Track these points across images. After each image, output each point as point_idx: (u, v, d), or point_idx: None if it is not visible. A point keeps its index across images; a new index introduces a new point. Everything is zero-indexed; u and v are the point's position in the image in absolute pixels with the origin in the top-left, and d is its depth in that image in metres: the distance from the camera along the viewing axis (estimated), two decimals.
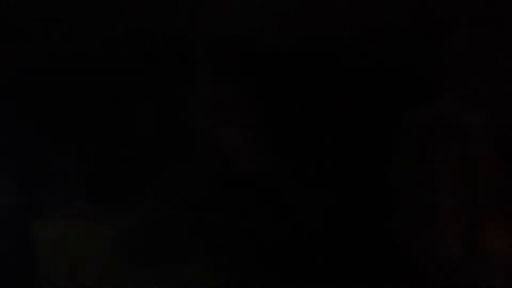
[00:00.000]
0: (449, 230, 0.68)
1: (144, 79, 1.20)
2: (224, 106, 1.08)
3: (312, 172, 1.11)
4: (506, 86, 0.84)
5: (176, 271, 1.12)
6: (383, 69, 0.92)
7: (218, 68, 1.12)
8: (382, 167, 0.78)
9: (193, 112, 1.08)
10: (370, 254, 0.90)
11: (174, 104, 1.12)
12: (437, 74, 0.88)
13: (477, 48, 0.86)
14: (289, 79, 1.18)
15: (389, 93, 0.91)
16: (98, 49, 1.20)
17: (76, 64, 1.22)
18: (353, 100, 0.96)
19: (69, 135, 1.26)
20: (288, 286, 1.00)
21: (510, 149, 0.82)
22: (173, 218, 1.11)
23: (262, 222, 1.05)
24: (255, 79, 1.19)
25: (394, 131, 0.81)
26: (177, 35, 1.17)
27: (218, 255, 1.10)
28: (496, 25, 0.86)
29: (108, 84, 1.22)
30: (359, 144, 0.91)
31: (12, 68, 1.23)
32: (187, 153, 1.13)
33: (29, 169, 1.27)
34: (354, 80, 0.97)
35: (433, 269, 0.72)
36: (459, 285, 0.71)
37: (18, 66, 1.23)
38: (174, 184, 1.14)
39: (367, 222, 0.88)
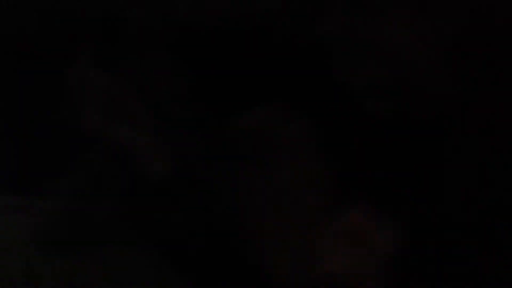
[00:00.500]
0: (283, 241, 0.66)
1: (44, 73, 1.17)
2: (118, 104, 1.02)
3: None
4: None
5: (97, 257, 1.11)
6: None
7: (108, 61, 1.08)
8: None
9: (84, 110, 1.02)
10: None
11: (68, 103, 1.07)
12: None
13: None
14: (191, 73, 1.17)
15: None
16: None
17: None
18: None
19: None
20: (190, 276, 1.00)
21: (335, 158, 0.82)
22: (87, 207, 1.09)
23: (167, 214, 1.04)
24: (153, 74, 1.17)
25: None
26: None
27: (132, 243, 1.09)
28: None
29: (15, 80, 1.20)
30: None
31: None
32: (91, 149, 1.11)
33: None
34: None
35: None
36: None
37: None
38: (83, 177, 1.12)
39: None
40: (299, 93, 0.76)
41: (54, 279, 1.12)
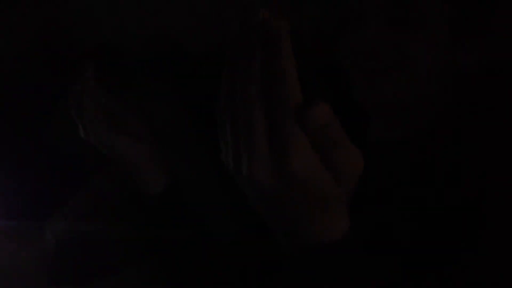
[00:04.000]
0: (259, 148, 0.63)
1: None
2: (118, 116, 1.01)
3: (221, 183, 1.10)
4: None
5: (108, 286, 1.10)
6: None
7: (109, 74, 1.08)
8: None
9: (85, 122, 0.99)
10: None
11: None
12: None
13: None
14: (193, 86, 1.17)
15: None
16: None
17: None
18: None
19: None
20: None
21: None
22: (94, 232, 1.08)
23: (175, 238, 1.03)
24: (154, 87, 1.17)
25: None
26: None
27: (143, 267, 1.08)
28: None
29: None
30: None
31: None
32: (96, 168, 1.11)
33: None
34: None
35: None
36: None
37: None
38: (89, 200, 1.11)
39: None
40: None
41: None
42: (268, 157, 0.62)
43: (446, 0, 0.84)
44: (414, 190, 0.86)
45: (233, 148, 0.64)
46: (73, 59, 1.16)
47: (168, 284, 1.04)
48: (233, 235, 1.01)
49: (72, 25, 1.22)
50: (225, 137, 0.65)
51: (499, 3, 0.87)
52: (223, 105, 0.64)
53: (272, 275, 0.82)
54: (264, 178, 0.62)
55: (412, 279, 0.77)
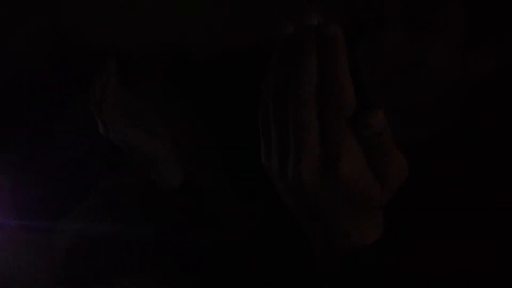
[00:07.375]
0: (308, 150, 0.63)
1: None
2: (138, 113, 1.03)
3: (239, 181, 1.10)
4: None
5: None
6: None
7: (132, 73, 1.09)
8: None
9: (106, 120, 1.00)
10: None
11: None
12: None
13: None
14: (212, 85, 1.18)
15: None
16: None
17: None
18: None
19: None
20: None
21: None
22: (107, 234, 1.08)
23: (190, 234, 1.03)
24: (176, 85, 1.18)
25: None
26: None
27: (156, 268, 1.08)
28: None
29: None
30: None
31: None
32: (114, 167, 1.11)
33: None
34: None
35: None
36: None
37: None
38: (103, 200, 1.12)
39: None
40: None
41: None
42: (317, 159, 0.62)
43: (462, 5, 0.86)
44: (426, 193, 0.87)
45: (279, 150, 0.64)
46: (83, 63, 1.18)
47: (182, 281, 1.04)
48: (247, 232, 1.01)
49: (83, 29, 1.24)
50: (270, 138, 0.64)
51: None
52: (268, 106, 0.64)
53: (289, 273, 0.82)
54: (311, 180, 0.63)
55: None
